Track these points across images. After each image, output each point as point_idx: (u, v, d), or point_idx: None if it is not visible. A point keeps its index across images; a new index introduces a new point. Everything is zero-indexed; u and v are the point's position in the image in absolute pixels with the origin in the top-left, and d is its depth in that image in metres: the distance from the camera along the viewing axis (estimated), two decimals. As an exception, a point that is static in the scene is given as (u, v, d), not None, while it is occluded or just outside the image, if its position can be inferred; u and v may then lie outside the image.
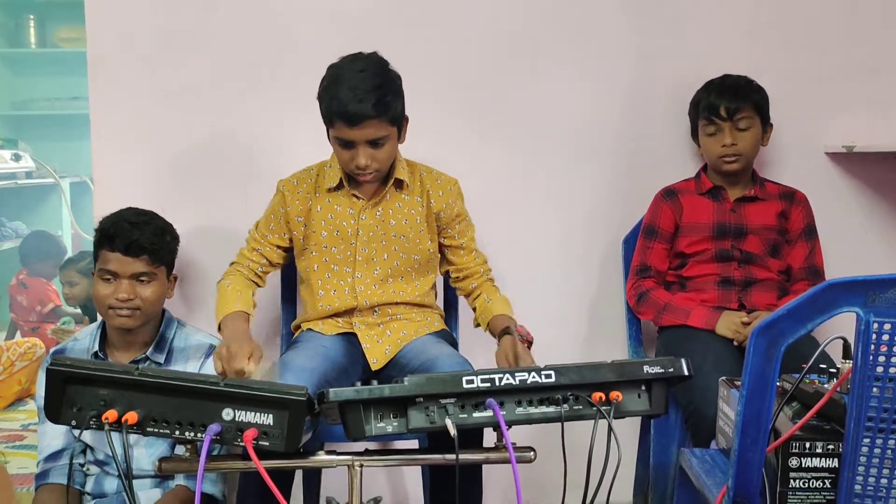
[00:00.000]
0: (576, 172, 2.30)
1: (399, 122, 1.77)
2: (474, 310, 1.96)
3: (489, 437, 1.51)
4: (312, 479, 2.05)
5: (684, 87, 2.17)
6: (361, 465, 1.40)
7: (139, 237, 1.80)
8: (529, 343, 1.71)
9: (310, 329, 1.91)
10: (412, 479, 2.33)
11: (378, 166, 1.77)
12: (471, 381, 1.28)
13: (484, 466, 1.72)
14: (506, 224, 2.28)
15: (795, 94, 2.27)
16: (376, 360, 1.87)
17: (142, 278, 1.82)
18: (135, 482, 1.90)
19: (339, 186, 1.86)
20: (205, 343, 1.92)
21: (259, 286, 1.92)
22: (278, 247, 1.91)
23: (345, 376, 1.79)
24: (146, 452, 1.89)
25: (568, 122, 2.28)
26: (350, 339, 1.89)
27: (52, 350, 2.09)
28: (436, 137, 2.18)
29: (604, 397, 1.29)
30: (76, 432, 1.82)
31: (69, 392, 1.24)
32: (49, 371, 1.23)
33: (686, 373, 1.31)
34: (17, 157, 4.27)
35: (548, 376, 1.29)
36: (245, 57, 2.21)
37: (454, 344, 1.96)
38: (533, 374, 1.29)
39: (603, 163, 2.30)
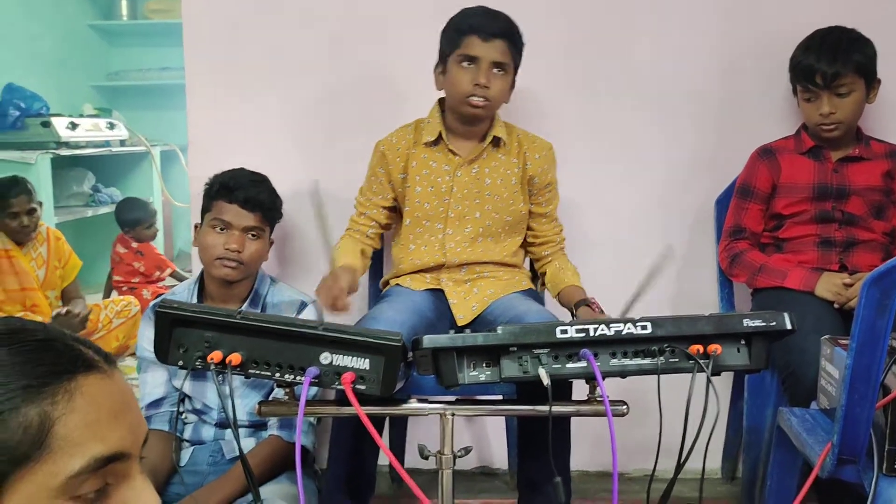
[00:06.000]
0: (669, 132, 2.24)
1: (517, 64, 1.82)
2: (543, 274, 1.98)
3: (578, 392, 1.51)
4: (398, 431, 2.08)
5: (784, 41, 2.07)
6: (453, 414, 1.41)
7: (259, 193, 1.88)
8: None
9: (398, 284, 1.93)
10: (494, 432, 2.33)
11: (493, 95, 1.78)
12: (565, 332, 1.27)
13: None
14: (597, 185, 2.25)
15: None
16: (463, 317, 1.87)
17: (252, 233, 1.88)
18: (229, 431, 2.00)
19: (438, 141, 1.87)
20: (296, 299, 1.97)
21: (374, 247, 1.96)
22: (383, 207, 1.94)
23: (432, 331, 1.80)
24: (241, 403, 1.95)
25: (662, 80, 2.22)
26: (438, 295, 1.90)
27: (151, 303, 2.18)
28: (531, 100, 2.16)
29: (701, 350, 1.26)
30: (177, 383, 1.90)
31: (176, 334, 1.28)
32: (157, 313, 1.28)
33: (789, 327, 1.27)
34: (111, 126, 4.43)
35: (643, 328, 1.27)
36: (337, 18, 2.22)
37: (541, 303, 1.95)
38: (628, 325, 1.27)
39: (696, 121, 2.23)
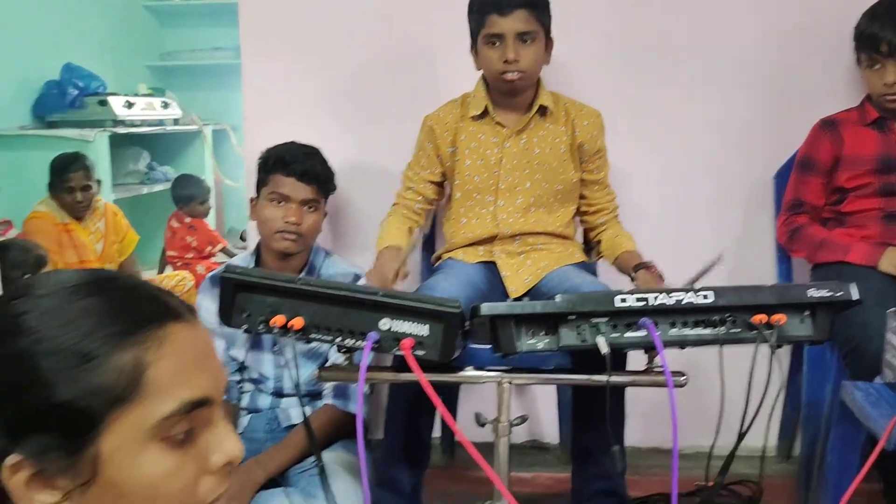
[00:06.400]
0: (727, 103, 2.19)
1: (546, 25, 1.80)
2: (598, 243, 1.98)
3: (633, 363, 1.50)
4: (448, 404, 2.09)
5: (847, 10, 2.01)
6: (510, 383, 1.42)
7: (314, 166, 1.91)
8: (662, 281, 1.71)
9: (451, 258, 1.94)
10: (545, 406, 2.33)
11: (525, 65, 1.77)
12: (624, 300, 1.27)
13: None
14: (652, 156, 2.22)
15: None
16: (515, 289, 1.88)
17: (309, 206, 1.91)
18: (284, 400, 2.04)
19: (484, 114, 1.87)
20: (350, 272, 1.99)
21: (419, 223, 1.97)
22: (431, 182, 1.95)
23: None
24: (298, 373, 1.99)
25: (720, 50, 2.17)
26: (490, 267, 1.90)
27: (208, 275, 2.22)
28: (579, 70, 2.14)
29: (765, 320, 1.24)
30: (234, 352, 1.94)
31: (239, 299, 1.31)
32: (222, 278, 1.31)
33: (855, 297, 1.25)
34: (165, 105, 4.52)
35: (705, 297, 1.26)
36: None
37: (595, 276, 1.94)
38: (689, 294, 1.26)
39: (753, 93, 2.18)
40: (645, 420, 2.11)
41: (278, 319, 1.27)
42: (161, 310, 0.65)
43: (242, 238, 4.49)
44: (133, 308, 0.64)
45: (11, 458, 0.59)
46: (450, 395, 2.02)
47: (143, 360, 0.62)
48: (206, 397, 0.65)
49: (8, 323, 0.62)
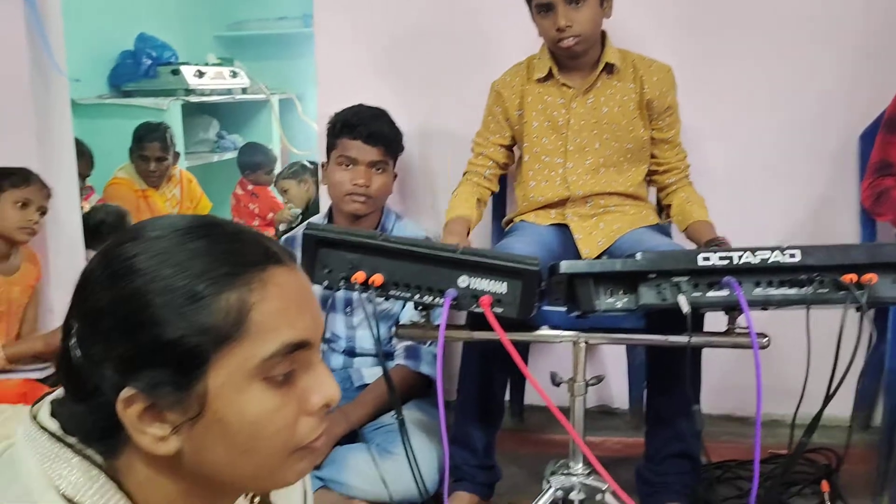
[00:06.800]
0: (809, 59, 2.10)
1: None
2: (668, 206, 1.93)
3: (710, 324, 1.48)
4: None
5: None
6: (587, 342, 1.42)
7: (380, 127, 1.93)
8: None
9: (523, 220, 1.93)
10: (614, 371, 2.31)
11: (579, 29, 1.74)
12: (707, 259, 1.25)
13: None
14: (726, 114, 2.15)
15: None
16: (588, 251, 1.86)
17: (377, 167, 1.93)
18: (357, 360, 2.08)
19: (549, 76, 1.85)
20: (420, 235, 2.01)
21: (491, 190, 1.96)
22: (501, 146, 1.94)
23: (560, 265, 1.81)
24: (368, 334, 2.03)
25: (806, 4, 2.08)
26: (563, 230, 1.89)
27: (282, 237, 2.27)
28: (651, 25, 2.10)
29: (855, 280, 1.21)
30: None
31: (321, 255, 1.34)
32: (304, 235, 1.34)
33: (952, 258, 1.20)
34: (234, 74, 4.59)
35: (792, 255, 1.23)
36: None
37: (669, 238, 1.91)
38: (776, 252, 1.23)
39: (841, 51, 2.09)
40: (716, 387, 2.08)
41: (359, 275, 1.29)
42: (264, 254, 0.67)
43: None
44: (238, 251, 0.66)
45: (126, 392, 0.62)
46: (519, 351, 2.01)
47: (248, 301, 0.64)
48: (306, 340, 0.67)
49: (121, 264, 0.64)
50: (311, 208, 3.87)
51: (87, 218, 2.89)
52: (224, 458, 0.65)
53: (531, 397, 2.30)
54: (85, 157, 3.31)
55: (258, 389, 0.65)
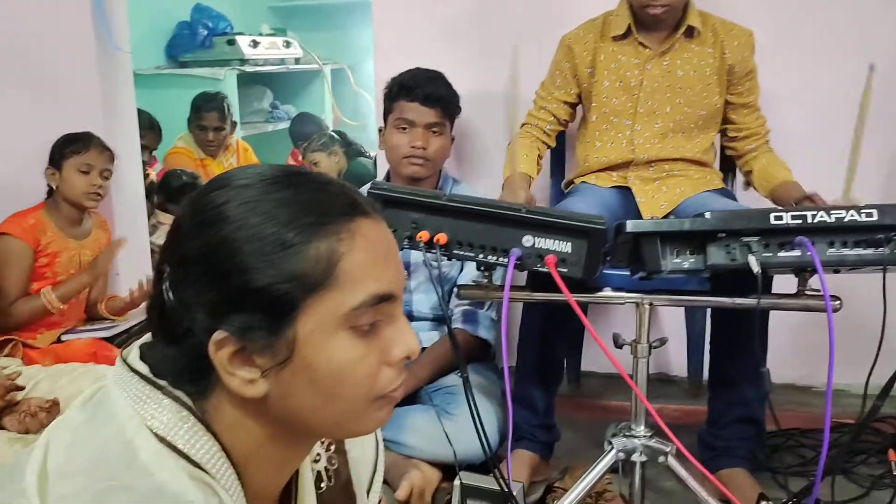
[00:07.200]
0: (891, 18, 2.02)
1: None
2: (748, 173, 1.88)
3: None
4: (578, 325, 2.08)
5: None
6: (651, 304, 1.40)
7: (437, 89, 1.93)
8: None
9: (584, 182, 1.91)
10: (672, 339, 2.28)
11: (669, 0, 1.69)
12: (779, 218, 1.22)
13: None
14: (801, 76, 2.08)
15: None
16: (651, 215, 1.83)
17: (434, 129, 1.93)
18: (414, 324, 2.10)
19: (627, 34, 1.81)
20: (478, 199, 2.00)
21: (549, 146, 1.94)
22: (565, 102, 1.91)
23: (621, 227, 1.78)
24: (425, 298, 2.04)
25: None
26: (625, 193, 1.86)
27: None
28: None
29: (936, 239, 1.17)
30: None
31: (385, 215, 1.34)
32: (369, 194, 1.34)
33: None
34: (287, 44, 4.62)
35: (868, 214, 1.20)
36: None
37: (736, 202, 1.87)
38: (851, 212, 1.20)
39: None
40: (779, 356, 2.05)
41: (423, 235, 1.30)
42: (351, 204, 0.67)
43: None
44: (325, 201, 0.66)
45: (217, 335, 0.63)
46: (578, 318, 2.00)
47: (338, 251, 0.64)
48: (391, 292, 0.68)
49: (210, 212, 0.65)
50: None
51: (164, 183, 2.97)
52: (309, 403, 0.67)
53: (587, 364, 2.29)
54: (154, 131, 3.39)
55: (345, 338, 0.65)
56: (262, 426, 0.68)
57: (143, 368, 0.68)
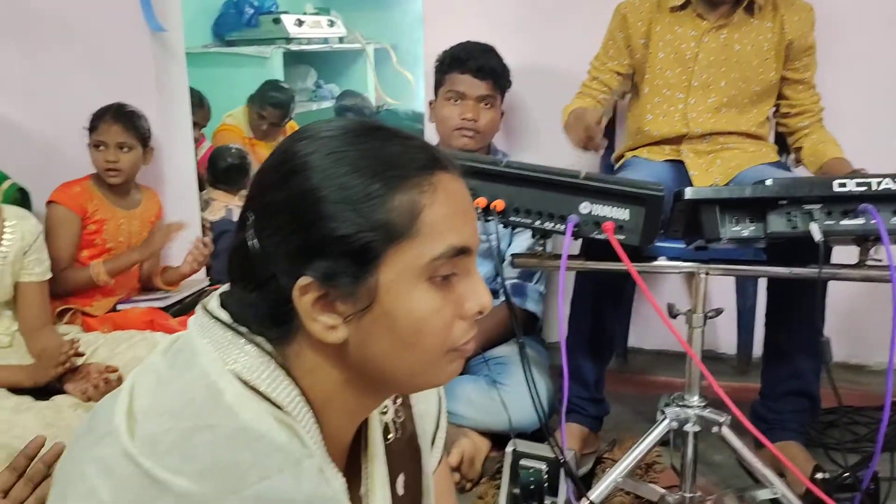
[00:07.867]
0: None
1: None
2: (799, 150, 1.85)
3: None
4: (628, 295, 2.08)
5: None
6: (707, 273, 1.40)
7: (488, 61, 1.93)
8: None
9: (635, 156, 1.90)
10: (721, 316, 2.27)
11: None
12: (843, 185, 1.20)
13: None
14: (850, 53, 2.04)
15: None
16: (704, 188, 1.82)
17: (485, 102, 1.93)
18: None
19: (685, 5, 1.79)
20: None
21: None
22: (618, 73, 1.89)
23: (674, 201, 1.77)
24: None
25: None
26: (678, 166, 1.85)
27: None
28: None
29: None
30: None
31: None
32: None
33: None
34: (331, 23, 4.63)
35: (937, 182, 1.17)
36: None
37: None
38: (919, 178, 1.18)
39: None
40: (832, 334, 2.02)
41: (480, 201, 1.30)
42: (433, 158, 0.69)
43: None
44: (409, 155, 0.68)
45: (302, 280, 0.65)
46: (627, 289, 1.98)
47: (420, 202, 0.66)
48: (468, 245, 0.69)
49: (296, 161, 0.67)
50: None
51: (212, 161, 3.02)
52: (386, 351, 0.68)
53: (634, 340, 2.29)
54: (204, 109, 3.43)
55: (424, 288, 0.67)
56: (340, 372, 0.70)
57: (224, 315, 0.70)
